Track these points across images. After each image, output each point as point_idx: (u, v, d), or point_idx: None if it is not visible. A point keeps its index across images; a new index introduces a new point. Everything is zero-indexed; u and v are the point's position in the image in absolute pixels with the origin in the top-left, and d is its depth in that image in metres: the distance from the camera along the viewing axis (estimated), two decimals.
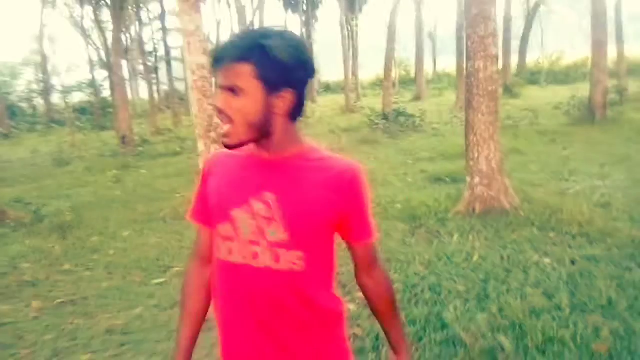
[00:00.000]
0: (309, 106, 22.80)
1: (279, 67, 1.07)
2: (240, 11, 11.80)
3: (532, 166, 7.70)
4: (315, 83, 33.22)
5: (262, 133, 1.13)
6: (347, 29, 31.29)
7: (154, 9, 28.84)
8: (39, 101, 34.82)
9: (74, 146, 14.72)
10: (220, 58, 1.08)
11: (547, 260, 4.05)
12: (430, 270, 4.04)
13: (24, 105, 34.00)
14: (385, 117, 13.52)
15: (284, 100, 1.11)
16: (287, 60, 1.07)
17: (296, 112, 1.16)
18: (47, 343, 3.39)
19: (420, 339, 2.98)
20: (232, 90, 1.08)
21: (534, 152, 8.68)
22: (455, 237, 4.80)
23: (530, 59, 33.00)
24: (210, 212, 1.23)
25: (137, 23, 27.25)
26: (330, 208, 1.16)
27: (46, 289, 4.31)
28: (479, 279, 3.79)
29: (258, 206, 1.15)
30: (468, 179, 5.64)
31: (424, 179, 7.43)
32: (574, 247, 4.30)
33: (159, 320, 3.56)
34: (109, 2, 18.11)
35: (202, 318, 1.34)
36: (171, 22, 28.61)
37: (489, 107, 5.41)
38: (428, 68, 37.99)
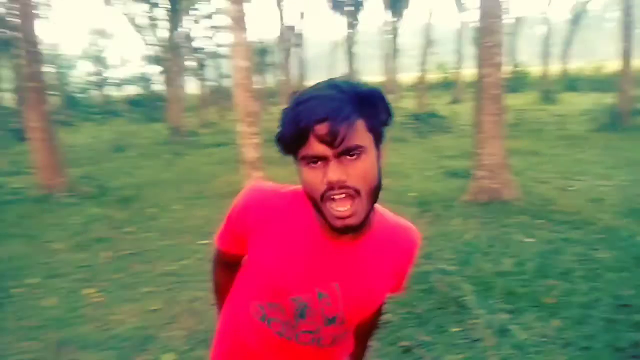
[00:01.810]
0: None
1: (384, 114, 0.96)
2: (282, 16, 12.74)
3: (545, 166, 8.28)
4: None
5: (375, 201, 0.98)
6: (388, 31, 31.85)
7: (205, 8, 30.28)
8: (95, 92, 36.94)
9: (128, 135, 16.06)
10: (321, 120, 0.88)
11: (528, 240, 4.76)
12: (427, 243, 4.80)
13: (81, 96, 36.11)
14: (417, 117, 14.20)
15: (382, 154, 0.99)
16: (386, 107, 0.96)
17: None
18: (116, 279, 4.37)
19: (406, 288, 3.78)
20: (350, 152, 0.90)
21: (551, 154, 9.23)
22: (456, 220, 5.54)
23: (577, 65, 32.82)
24: (260, 284, 1.12)
25: (188, 21, 28.63)
26: (389, 287, 1.13)
27: (113, 244, 5.32)
28: (465, 251, 4.54)
29: (323, 297, 1.06)
30: (474, 172, 6.36)
31: (441, 173, 8.15)
32: (556, 232, 4.99)
33: (203, 268, 4.46)
34: (163, 2, 19.46)
35: None
36: (220, 20, 29.92)
37: (493, 109, 6.10)
38: (471, 71, 38.11)
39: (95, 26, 30.61)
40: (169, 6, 16.56)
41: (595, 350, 2.89)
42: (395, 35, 32.93)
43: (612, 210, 5.55)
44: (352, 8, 32.85)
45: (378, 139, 0.95)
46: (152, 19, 26.91)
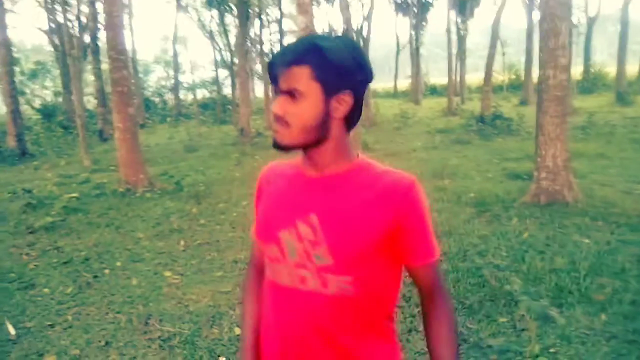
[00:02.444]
0: (412, 108, 23.64)
1: (337, 67, 1.05)
2: (347, 21, 13.05)
3: (611, 169, 8.10)
4: (421, 85, 33.82)
5: (318, 138, 1.10)
6: (457, 32, 31.48)
7: (273, 12, 31.20)
8: (168, 96, 38.85)
9: (200, 136, 16.94)
10: (277, 63, 1.07)
11: (585, 241, 4.80)
12: (483, 241, 4.96)
13: (155, 99, 38.08)
14: (481, 119, 14.09)
15: (343, 102, 1.09)
16: (345, 61, 1.06)
17: (353, 118, 1.13)
18: (191, 265, 4.83)
19: (458, 280, 3.98)
20: (290, 94, 1.06)
21: (620, 158, 8.99)
22: (514, 220, 5.63)
23: None
24: (257, 230, 1.24)
25: (256, 26, 29.66)
26: (377, 226, 1.08)
27: (189, 234, 5.82)
28: (520, 249, 4.65)
29: (304, 229, 1.10)
30: (535, 173, 6.39)
31: (502, 175, 8.16)
32: (615, 233, 4.99)
33: None
34: (233, 8, 20.41)
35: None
36: (287, 24, 30.72)
37: (556, 111, 6.11)
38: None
39: (169, 33, 32.16)
40: (239, 12, 17.33)
41: None
42: (463, 36, 32.52)
43: None
44: (417, 10, 32.79)
45: (331, 88, 1.06)
46: (222, 25, 28.10)
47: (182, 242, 5.53)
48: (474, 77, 39.80)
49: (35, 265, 5.07)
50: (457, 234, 5.22)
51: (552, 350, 2.97)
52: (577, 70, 28.61)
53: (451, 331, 1.16)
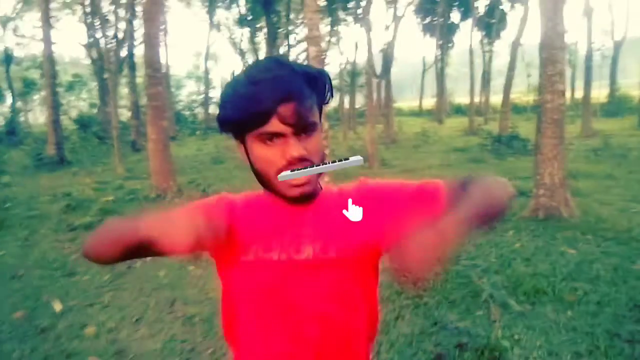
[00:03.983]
0: (434, 127, 24.08)
1: (326, 94, 1.01)
2: (369, 42, 13.71)
3: (616, 189, 8.44)
4: (444, 105, 34.22)
5: None
6: (482, 53, 31.88)
7: (302, 32, 32.14)
8: (198, 110, 40.11)
9: (227, 149, 17.70)
10: (286, 97, 0.91)
11: (571, 251, 5.23)
12: (476, 249, 5.43)
13: (186, 113, 39.34)
14: (498, 139, 14.49)
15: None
16: (329, 86, 1.02)
17: None
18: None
19: (447, 280, 4.47)
20: (307, 130, 0.96)
21: (627, 179, 9.30)
22: (510, 232, 6.07)
23: None
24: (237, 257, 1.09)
25: (285, 45, 30.63)
26: (371, 225, 1.04)
27: None
28: (509, 257, 5.11)
29: (305, 250, 1.03)
30: (534, 190, 6.83)
31: None
32: (601, 246, 5.39)
33: None
34: (264, 28, 21.29)
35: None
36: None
37: (554, 132, 6.56)
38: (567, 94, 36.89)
39: (202, 49, 33.39)
40: (268, 32, 18.18)
41: (595, 335, 3.43)
42: (489, 56, 32.88)
43: None
44: (443, 31, 33.31)
45: (321, 114, 1.02)
46: (253, 43, 29.13)
47: None
48: (499, 98, 39.98)
49: (75, 257, 5.73)
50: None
51: (516, 337, 3.44)
52: (602, 93, 28.69)
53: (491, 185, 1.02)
